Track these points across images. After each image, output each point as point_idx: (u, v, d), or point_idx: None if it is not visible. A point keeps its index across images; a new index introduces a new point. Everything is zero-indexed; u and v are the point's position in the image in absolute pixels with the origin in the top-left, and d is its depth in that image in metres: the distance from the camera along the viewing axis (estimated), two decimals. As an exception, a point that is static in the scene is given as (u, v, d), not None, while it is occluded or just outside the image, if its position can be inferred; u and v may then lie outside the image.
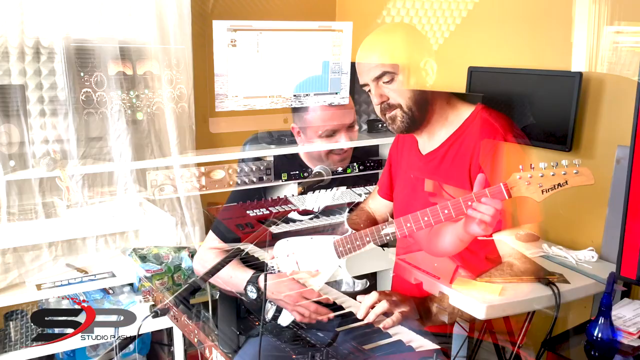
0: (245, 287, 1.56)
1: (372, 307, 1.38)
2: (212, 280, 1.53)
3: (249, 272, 1.59)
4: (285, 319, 1.49)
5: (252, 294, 1.54)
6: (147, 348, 2.30)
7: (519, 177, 1.23)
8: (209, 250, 1.84)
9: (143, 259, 2.24)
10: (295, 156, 2.13)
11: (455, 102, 1.54)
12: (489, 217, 1.23)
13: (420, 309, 1.44)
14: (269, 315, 1.49)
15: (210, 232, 1.87)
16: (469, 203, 1.25)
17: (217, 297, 1.51)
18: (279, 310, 1.50)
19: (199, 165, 2.13)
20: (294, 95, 2.11)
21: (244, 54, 1.96)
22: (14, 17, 1.97)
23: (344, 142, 2.00)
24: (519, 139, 1.46)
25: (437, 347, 1.39)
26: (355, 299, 1.45)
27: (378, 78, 1.47)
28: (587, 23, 1.83)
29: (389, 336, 1.43)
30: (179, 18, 2.25)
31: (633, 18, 1.82)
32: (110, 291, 2.21)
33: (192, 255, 2.24)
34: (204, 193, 2.23)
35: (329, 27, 2.12)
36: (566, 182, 1.22)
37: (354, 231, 1.47)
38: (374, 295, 1.38)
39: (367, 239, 1.43)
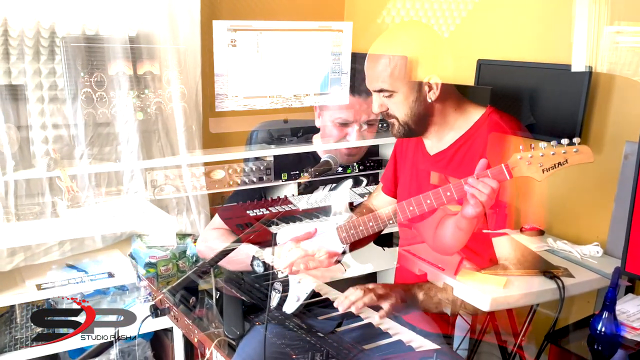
0: (252, 262, 1.56)
1: (355, 302, 1.39)
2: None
3: (254, 247, 1.59)
4: (290, 306, 1.49)
5: (259, 268, 1.53)
6: (151, 333, 2.31)
7: (519, 157, 1.23)
8: (212, 230, 1.86)
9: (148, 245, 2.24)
10: (295, 155, 2.14)
11: (465, 106, 1.54)
12: (482, 195, 1.24)
13: (407, 295, 1.44)
14: (274, 303, 1.49)
15: (217, 215, 1.90)
16: (472, 180, 1.25)
17: (217, 297, 1.50)
18: (283, 298, 1.50)
19: (205, 164, 2.13)
20: (294, 95, 2.11)
21: (244, 54, 1.96)
22: (15, 12, 1.96)
23: (353, 138, 2.06)
24: (527, 138, 1.46)
25: (437, 347, 1.39)
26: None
27: (378, 91, 1.50)
28: (587, 23, 1.83)
29: (389, 336, 1.43)
30: (190, 18, 2.23)
31: (633, 18, 1.82)
32: (110, 291, 2.21)
33: (197, 242, 2.25)
34: (203, 193, 2.24)
35: (329, 27, 2.12)
36: (566, 160, 1.22)
37: (356, 217, 1.48)
38: (358, 292, 1.39)
39: (370, 224, 1.44)
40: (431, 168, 1.57)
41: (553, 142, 1.22)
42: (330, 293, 1.65)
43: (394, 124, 1.52)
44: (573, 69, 1.90)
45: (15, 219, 1.99)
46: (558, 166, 1.23)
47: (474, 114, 1.52)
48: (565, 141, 1.22)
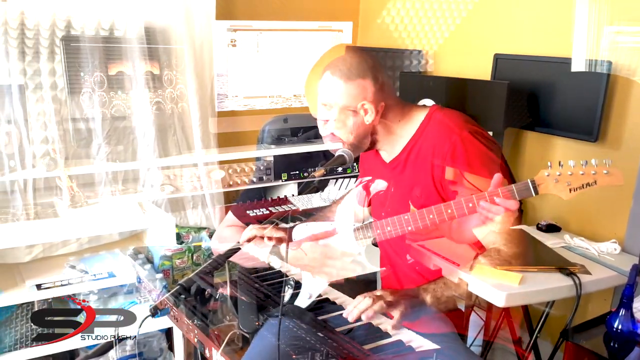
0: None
1: (365, 310, 1.38)
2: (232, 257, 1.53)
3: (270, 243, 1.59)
4: (303, 300, 1.49)
5: (275, 262, 1.53)
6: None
7: (547, 174, 1.21)
8: (227, 227, 1.87)
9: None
10: (295, 155, 2.14)
11: (409, 112, 1.53)
12: (497, 216, 1.24)
13: (415, 300, 1.43)
14: (287, 297, 1.48)
15: (230, 212, 1.92)
16: (494, 198, 1.25)
17: (217, 297, 1.49)
18: (296, 292, 1.49)
19: (208, 163, 2.14)
20: (294, 95, 2.12)
21: (244, 54, 1.97)
22: (15, 10, 1.96)
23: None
24: (478, 132, 1.44)
25: (437, 347, 1.39)
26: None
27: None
28: (587, 23, 1.82)
29: (389, 336, 1.43)
30: (205, 17, 2.22)
31: (633, 18, 1.82)
32: (111, 289, 2.21)
33: (211, 235, 2.26)
34: (200, 193, 2.24)
35: (329, 27, 2.12)
36: (595, 182, 1.20)
37: (375, 219, 1.48)
38: (367, 301, 1.38)
39: (389, 228, 1.43)
40: (389, 175, 1.57)
41: (582, 161, 1.20)
42: (331, 293, 1.65)
43: (343, 143, 1.52)
44: (573, 69, 1.89)
45: (15, 218, 2.00)
46: (586, 187, 1.20)
47: (419, 116, 1.52)
48: (594, 161, 1.20)
